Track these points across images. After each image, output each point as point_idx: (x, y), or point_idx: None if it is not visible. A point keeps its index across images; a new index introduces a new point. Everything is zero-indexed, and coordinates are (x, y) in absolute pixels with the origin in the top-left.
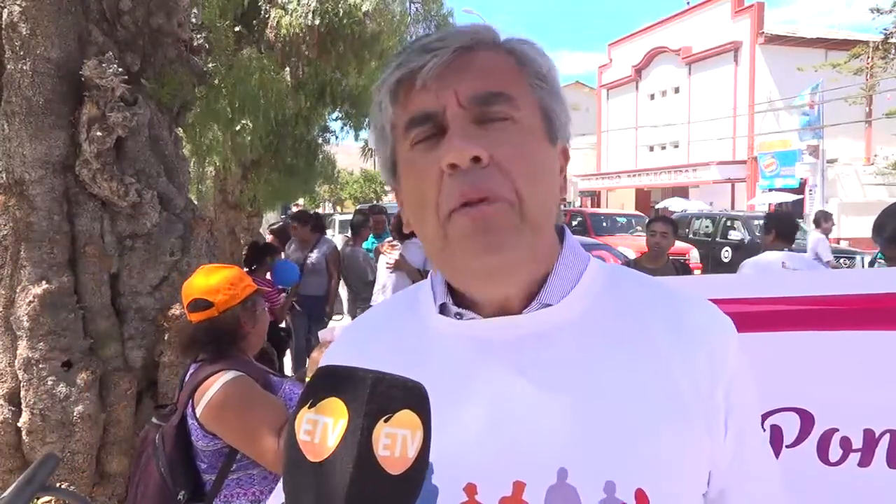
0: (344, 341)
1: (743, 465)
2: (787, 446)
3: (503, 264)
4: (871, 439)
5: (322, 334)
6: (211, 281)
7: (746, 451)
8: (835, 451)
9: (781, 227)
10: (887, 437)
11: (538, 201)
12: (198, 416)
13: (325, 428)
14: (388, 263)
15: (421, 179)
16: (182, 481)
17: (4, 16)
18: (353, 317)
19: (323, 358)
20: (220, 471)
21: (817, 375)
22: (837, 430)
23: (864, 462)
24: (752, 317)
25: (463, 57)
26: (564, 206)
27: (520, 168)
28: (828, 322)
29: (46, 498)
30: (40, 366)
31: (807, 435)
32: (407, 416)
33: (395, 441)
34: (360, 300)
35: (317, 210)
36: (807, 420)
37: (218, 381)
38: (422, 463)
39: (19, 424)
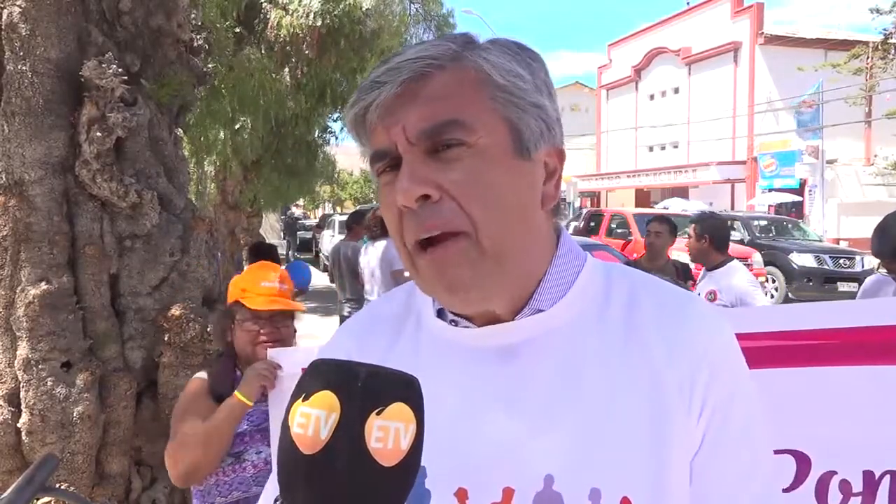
0: (346, 333)
1: (717, 462)
2: (784, 490)
3: (468, 300)
4: (871, 481)
5: (271, 353)
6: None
7: (722, 446)
8: (834, 496)
9: (715, 234)
10: (888, 478)
11: (497, 226)
12: None
13: (317, 421)
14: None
15: (388, 211)
16: None
17: (4, 16)
18: (339, 314)
19: (323, 349)
20: None
21: (813, 415)
22: (836, 472)
23: None
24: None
25: (411, 87)
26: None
27: (474, 195)
28: (822, 357)
29: (46, 498)
30: (40, 366)
31: (804, 478)
32: (399, 409)
33: (387, 433)
34: (347, 300)
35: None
36: (803, 463)
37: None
38: (416, 455)
39: (19, 425)
